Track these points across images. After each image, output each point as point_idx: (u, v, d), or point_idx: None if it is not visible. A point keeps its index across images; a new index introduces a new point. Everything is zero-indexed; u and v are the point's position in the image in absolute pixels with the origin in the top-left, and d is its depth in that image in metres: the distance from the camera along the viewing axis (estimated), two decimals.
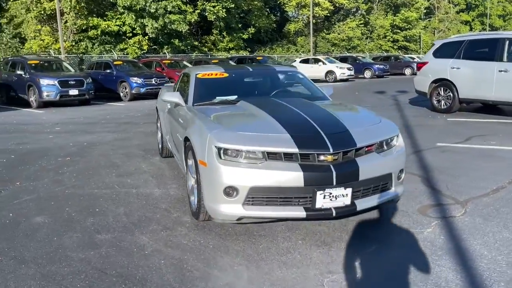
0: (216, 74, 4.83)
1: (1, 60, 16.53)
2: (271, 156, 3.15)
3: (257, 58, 22.87)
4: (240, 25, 29.31)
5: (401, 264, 2.88)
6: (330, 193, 3.10)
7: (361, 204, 3.28)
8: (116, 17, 22.98)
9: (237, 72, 5.08)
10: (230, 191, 3.11)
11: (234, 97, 4.51)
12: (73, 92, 14.27)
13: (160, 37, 24.20)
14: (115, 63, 17.29)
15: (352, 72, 24.63)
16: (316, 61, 25.04)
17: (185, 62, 20.13)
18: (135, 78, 15.94)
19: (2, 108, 14.16)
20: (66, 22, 21.83)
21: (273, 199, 3.14)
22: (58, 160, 6.08)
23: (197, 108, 4.25)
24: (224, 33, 28.81)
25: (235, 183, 3.10)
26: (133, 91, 15.84)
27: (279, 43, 34.19)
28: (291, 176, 3.06)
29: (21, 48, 20.20)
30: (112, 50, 22.65)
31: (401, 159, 3.54)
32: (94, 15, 22.56)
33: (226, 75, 4.85)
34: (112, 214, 3.85)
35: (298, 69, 5.49)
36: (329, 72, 24.22)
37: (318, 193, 3.08)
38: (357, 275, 2.74)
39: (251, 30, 29.60)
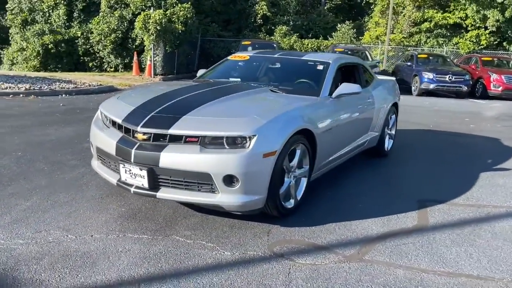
0: (241, 57, 4.96)
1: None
2: (113, 124, 3.51)
3: None
4: None
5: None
6: (130, 170, 3.21)
7: (165, 193, 3.16)
8: (459, 7, 21.55)
9: (259, 58, 4.97)
10: (92, 146, 3.73)
11: (236, 80, 4.61)
12: None
13: (509, 31, 20.92)
14: (419, 56, 16.91)
15: None
16: None
17: None
18: (428, 73, 15.27)
19: None
20: (404, 15, 22.46)
21: (106, 162, 3.53)
22: None
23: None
24: None
25: (92, 140, 3.70)
26: (422, 86, 15.31)
27: None
28: (108, 144, 3.38)
29: (356, 38, 22.54)
30: (444, 44, 21.59)
31: (229, 163, 2.98)
32: (436, 7, 22.03)
33: (247, 58, 4.89)
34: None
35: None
36: None
37: (120, 165, 3.26)
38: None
39: None
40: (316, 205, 3.83)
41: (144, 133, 3.17)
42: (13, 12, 17.73)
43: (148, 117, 3.25)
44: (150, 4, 17.49)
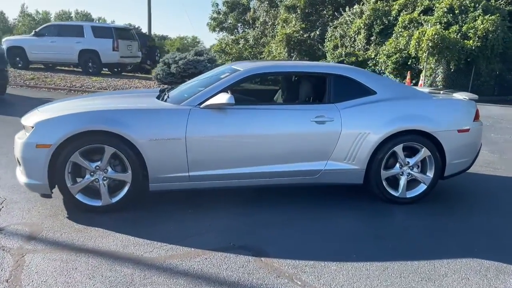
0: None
1: None
2: None
3: None
4: None
5: None
6: None
7: (18, 169, 4.26)
8: None
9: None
10: None
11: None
12: None
13: None
14: None
15: None
16: None
17: None
18: None
19: None
20: None
21: None
22: None
23: None
24: None
25: None
26: None
27: None
28: None
29: None
30: None
31: (16, 148, 3.78)
32: None
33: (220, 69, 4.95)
34: None
35: None
36: None
37: None
38: None
39: None
40: (130, 215, 3.78)
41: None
42: (329, 39, 20.62)
43: (34, 110, 4.35)
44: (445, 20, 16.17)
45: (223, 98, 3.75)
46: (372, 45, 18.52)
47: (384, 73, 17.38)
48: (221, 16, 36.62)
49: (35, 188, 3.74)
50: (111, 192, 3.81)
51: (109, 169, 3.76)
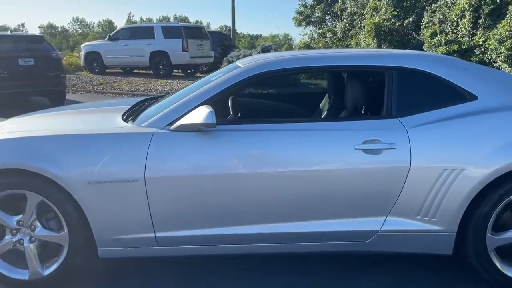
0: None
1: None
2: None
3: None
4: None
5: None
6: None
7: None
8: None
9: None
10: None
11: None
12: None
13: None
14: None
15: None
16: None
17: None
18: None
19: None
20: None
21: None
22: None
23: None
24: None
25: None
26: None
27: None
28: None
29: None
30: None
31: None
32: None
33: None
34: None
35: None
36: None
37: None
38: None
39: None
40: None
41: None
42: (426, 26, 17.81)
43: None
44: None
45: (199, 115, 2.27)
46: (480, 29, 15.47)
47: (495, 62, 14.35)
48: (307, 9, 34.92)
49: None
50: (45, 259, 2.57)
51: (38, 225, 2.51)
